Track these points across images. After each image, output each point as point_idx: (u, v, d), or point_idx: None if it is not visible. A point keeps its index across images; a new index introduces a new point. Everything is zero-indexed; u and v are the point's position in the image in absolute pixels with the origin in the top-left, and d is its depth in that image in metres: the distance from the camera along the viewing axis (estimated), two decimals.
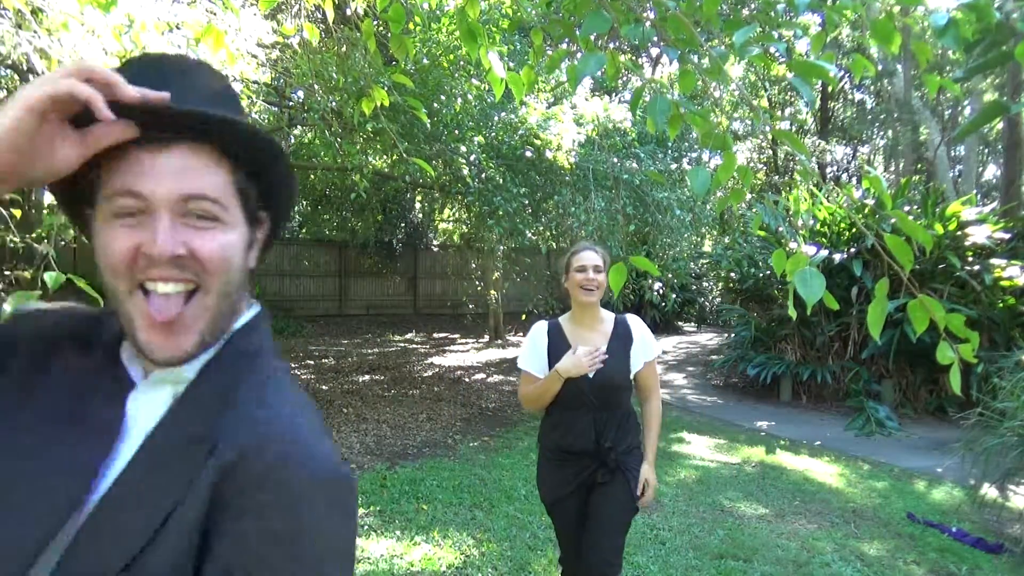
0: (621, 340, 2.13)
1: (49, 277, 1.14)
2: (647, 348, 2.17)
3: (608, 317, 2.18)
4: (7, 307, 1.10)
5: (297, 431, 0.58)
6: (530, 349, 2.15)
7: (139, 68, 0.60)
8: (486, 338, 13.39)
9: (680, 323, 16.80)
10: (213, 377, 0.62)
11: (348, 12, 4.84)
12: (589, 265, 2.08)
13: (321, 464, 0.56)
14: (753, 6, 10.64)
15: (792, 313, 1.14)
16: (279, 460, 0.55)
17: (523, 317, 14.44)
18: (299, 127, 8.56)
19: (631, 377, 2.13)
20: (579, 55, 1.33)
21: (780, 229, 7.85)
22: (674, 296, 14.38)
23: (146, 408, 0.60)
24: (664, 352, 12.70)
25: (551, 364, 2.06)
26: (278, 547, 0.52)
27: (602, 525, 2.05)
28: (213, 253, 0.59)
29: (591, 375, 2.03)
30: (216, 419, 0.58)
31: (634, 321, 2.19)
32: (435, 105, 5.65)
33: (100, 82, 0.54)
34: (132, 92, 0.55)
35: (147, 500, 0.54)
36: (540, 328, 2.18)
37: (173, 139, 0.58)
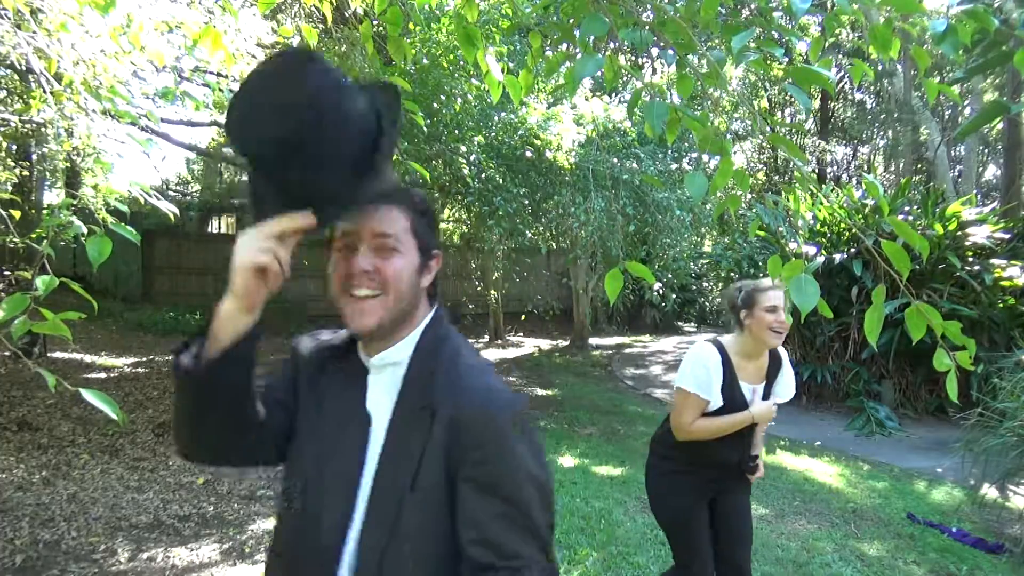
0: (774, 375, 2.22)
1: (41, 281, 1.14)
2: (787, 387, 2.24)
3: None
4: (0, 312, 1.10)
5: (482, 387, 0.91)
6: (706, 378, 2.10)
7: None
8: (486, 338, 13.39)
9: (680, 323, 16.81)
10: (420, 361, 0.93)
11: (347, 13, 4.83)
12: (781, 307, 2.02)
13: (504, 401, 0.89)
14: (753, 6, 10.62)
15: (787, 320, 1.14)
16: (481, 409, 0.88)
17: (523, 317, 14.45)
18: None
19: None
20: (578, 57, 1.33)
21: (780, 230, 7.84)
22: (674, 296, 14.38)
23: (379, 385, 0.94)
24: (663, 353, 12.70)
25: (723, 394, 2.09)
26: (496, 464, 0.86)
27: (743, 533, 2.22)
28: (389, 272, 0.90)
29: None
30: (430, 390, 0.90)
31: (785, 358, 2.25)
32: (435, 105, 5.64)
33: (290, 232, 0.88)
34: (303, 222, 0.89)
35: (407, 448, 0.88)
36: (714, 358, 2.12)
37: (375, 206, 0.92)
